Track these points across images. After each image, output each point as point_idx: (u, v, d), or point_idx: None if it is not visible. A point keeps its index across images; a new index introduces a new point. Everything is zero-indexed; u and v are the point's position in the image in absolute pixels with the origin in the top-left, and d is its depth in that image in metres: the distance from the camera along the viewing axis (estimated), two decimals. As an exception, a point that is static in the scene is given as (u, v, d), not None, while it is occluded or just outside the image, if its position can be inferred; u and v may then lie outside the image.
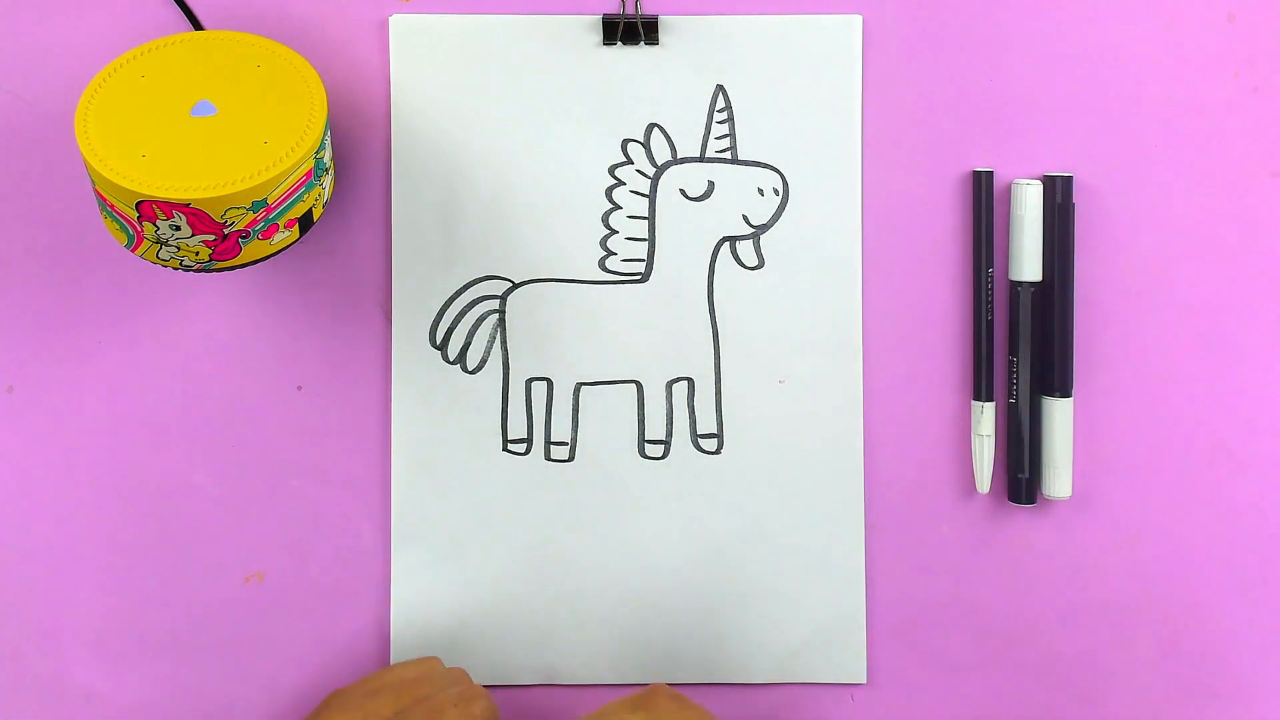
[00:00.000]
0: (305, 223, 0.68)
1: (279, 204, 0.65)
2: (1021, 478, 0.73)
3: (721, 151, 0.73)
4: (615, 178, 0.73)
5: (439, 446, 0.73)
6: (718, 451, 0.73)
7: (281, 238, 0.67)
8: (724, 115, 0.73)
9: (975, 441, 0.73)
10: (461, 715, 0.65)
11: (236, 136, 0.65)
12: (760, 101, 0.73)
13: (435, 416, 0.73)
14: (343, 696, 0.67)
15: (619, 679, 0.73)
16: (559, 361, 0.73)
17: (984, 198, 0.72)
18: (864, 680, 0.73)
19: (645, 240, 0.73)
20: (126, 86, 0.66)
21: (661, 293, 0.73)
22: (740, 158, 0.73)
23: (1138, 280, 0.73)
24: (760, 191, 0.73)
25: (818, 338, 0.73)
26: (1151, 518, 0.73)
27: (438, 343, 0.73)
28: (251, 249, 0.66)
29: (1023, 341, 0.72)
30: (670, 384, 0.73)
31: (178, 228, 0.64)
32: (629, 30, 0.72)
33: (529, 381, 0.73)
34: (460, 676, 0.69)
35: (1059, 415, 0.72)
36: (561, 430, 0.73)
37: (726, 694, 0.74)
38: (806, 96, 0.73)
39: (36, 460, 0.73)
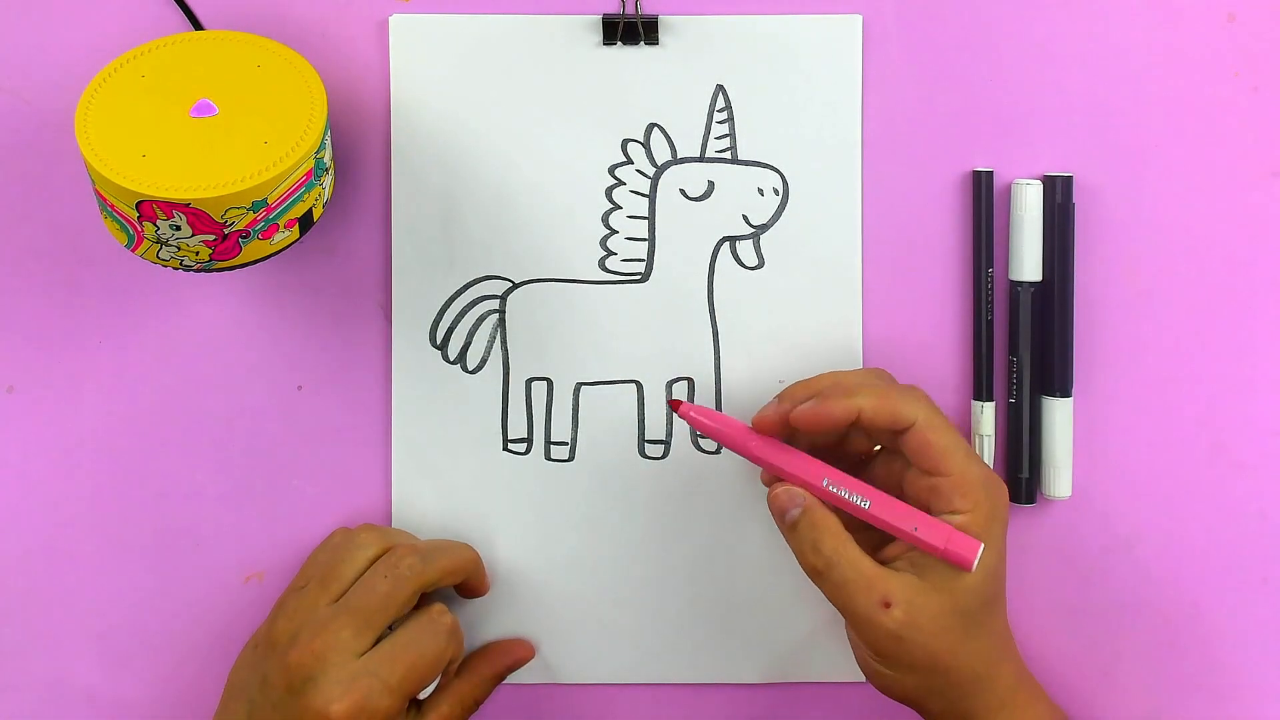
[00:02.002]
0: (305, 223, 0.68)
1: (279, 204, 0.65)
2: (1021, 478, 0.73)
3: (721, 151, 0.73)
4: (615, 178, 0.73)
5: (439, 446, 0.73)
6: (718, 451, 0.73)
7: (281, 238, 0.67)
8: (724, 115, 0.73)
9: (975, 441, 0.72)
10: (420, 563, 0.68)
11: (236, 136, 0.65)
12: (760, 101, 0.73)
13: (435, 416, 0.73)
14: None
15: (619, 679, 0.73)
16: (559, 361, 0.73)
17: (984, 198, 0.72)
18: (864, 680, 0.73)
19: (645, 240, 0.73)
20: (126, 86, 0.66)
21: (661, 293, 0.73)
22: (740, 158, 0.73)
23: (1138, 280, 0.73)
24: (760, 191, 0.73)
25: (818, 338, 0.73)
26: (1151, 518, 0.73)
27: (438, 343, 0.73)
28: (251, 249, 0.66)
29: (1023, 341, 0.72)
30: (670, 384, 0.73)
31: (178, 228, 0.64)
32: (629, 30, 0.72)
33: (529, 381, 0.73)
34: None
35: (1059, 415, 0.72)
36: (561, 430, 0.73)
37: (726, 694, 0.74)
38: (806, 96, 0.73)
39: (36, 460, 0.73)
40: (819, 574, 0.65)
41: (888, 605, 0.63)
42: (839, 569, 0.64)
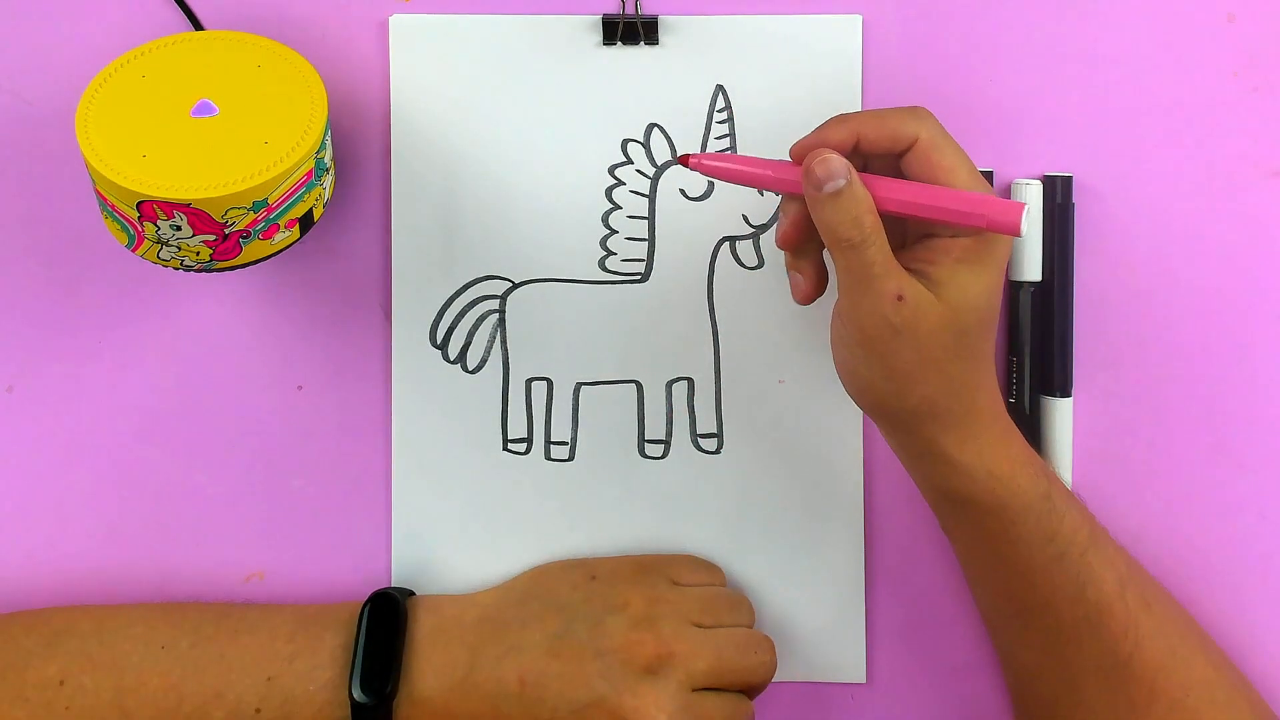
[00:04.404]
0: (305, 223, 0.68)
1: (279, 204, 0.65)
2: (1021, 478, 0.73)
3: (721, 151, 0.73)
4: (615, 178, 0.73)
5: (439, 446, 0.73)
6: (718, 451, 0.73)
7: (282, 238, 0.67)
8: (724, 115, 0.73)
9: (975, 441, 0.72)
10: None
11: (237, 136, 0.65)
12: (760, 101, 0.73)
13: (435, 416, 0.73)
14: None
15: (619, 679, 0.73)
16: (559, 361, 0.73)
17: (984, 198, 0.72)
18: (864, 680, 0.73)
19: (645, 240, 0.73)
20: (126, 86, 0.66)
21: (661, 293, 0.73)
22: (740, 158, 0.73)
23: (1138, 280, 0.73)
24: (760, 191, 0.73)
25: (818, 338, 0.73)
26: (1151, 518, 0.73)
27: (438, 343, 0.73)
28: (252, 249, 0.66)
29: (1023, 341, 0.72)
30: (670, 384, 0.73)
31: (178, 228, 0.64)
32: (629, 30, 0.72)
33: (529, 381, 0.73)
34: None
35: (1059, 415, 0.72)
36: (561, 430, 0.73)
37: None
38: (806, 96, 0.73)
39: (36, 460, 0.73)
40: (851, 247, 0.62)
41: (900, 299, 0.62)
42: (873, 248, 0.62)
